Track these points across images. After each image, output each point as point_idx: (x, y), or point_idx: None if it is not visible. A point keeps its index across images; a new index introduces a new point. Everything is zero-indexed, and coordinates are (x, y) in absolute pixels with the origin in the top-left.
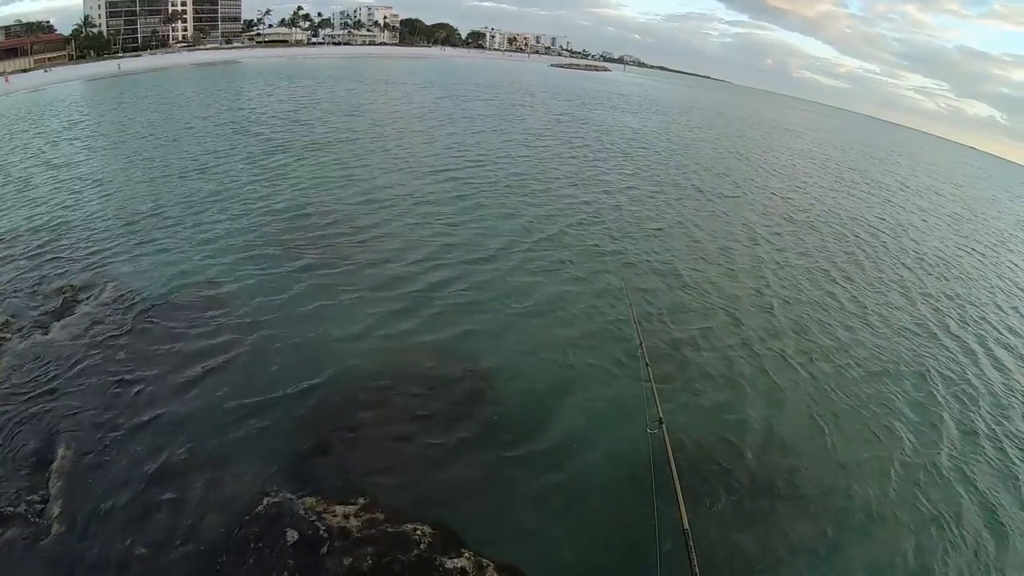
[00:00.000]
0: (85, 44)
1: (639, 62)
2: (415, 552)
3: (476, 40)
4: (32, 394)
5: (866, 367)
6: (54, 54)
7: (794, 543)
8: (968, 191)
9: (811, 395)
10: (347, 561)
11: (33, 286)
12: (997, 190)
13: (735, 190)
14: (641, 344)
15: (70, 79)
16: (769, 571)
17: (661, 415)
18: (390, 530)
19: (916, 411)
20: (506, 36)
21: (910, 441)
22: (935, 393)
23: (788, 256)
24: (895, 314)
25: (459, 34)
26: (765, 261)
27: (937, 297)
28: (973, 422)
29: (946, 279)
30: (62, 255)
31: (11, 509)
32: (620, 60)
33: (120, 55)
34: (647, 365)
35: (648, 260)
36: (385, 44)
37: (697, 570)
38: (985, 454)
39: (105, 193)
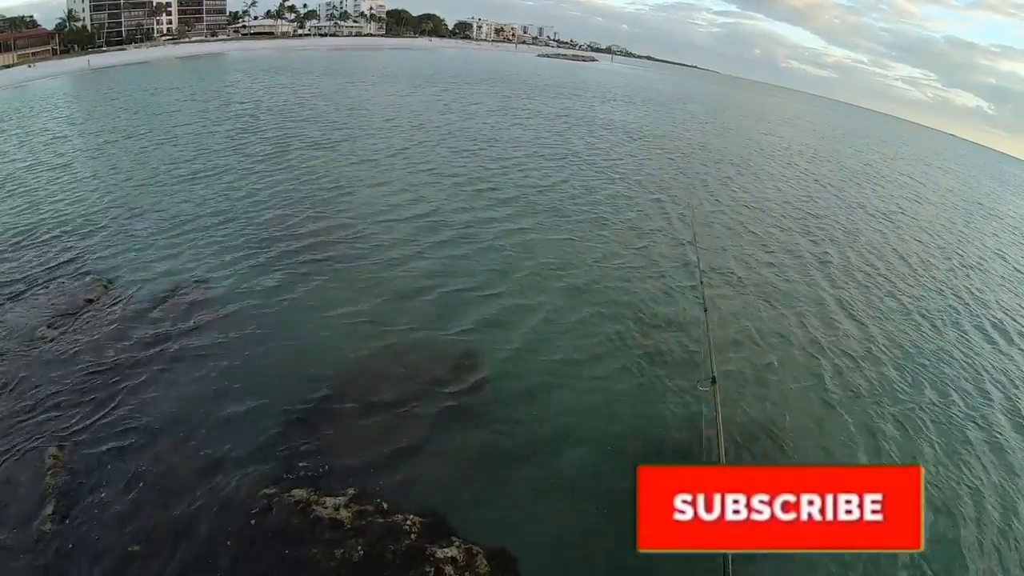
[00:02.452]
0: (69, 38)
1: (627, 52)
2: (406, 542)
3: (463, 31)
4: (23, 392)
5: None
6: (38, 49)
7: None
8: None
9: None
10: (338, 552)
11: (24, 285)
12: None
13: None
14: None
15: (32, 78)
16: None
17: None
18: (381, 520)
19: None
20: (493, 27)
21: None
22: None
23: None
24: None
25: (446, 25)
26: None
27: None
28: None
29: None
30: (53, 254)
31: (4, 509)
32: (608, 50)
33: (104, 49)
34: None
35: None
36: (372, 35)
37: None
38: None
39: (97, 192)
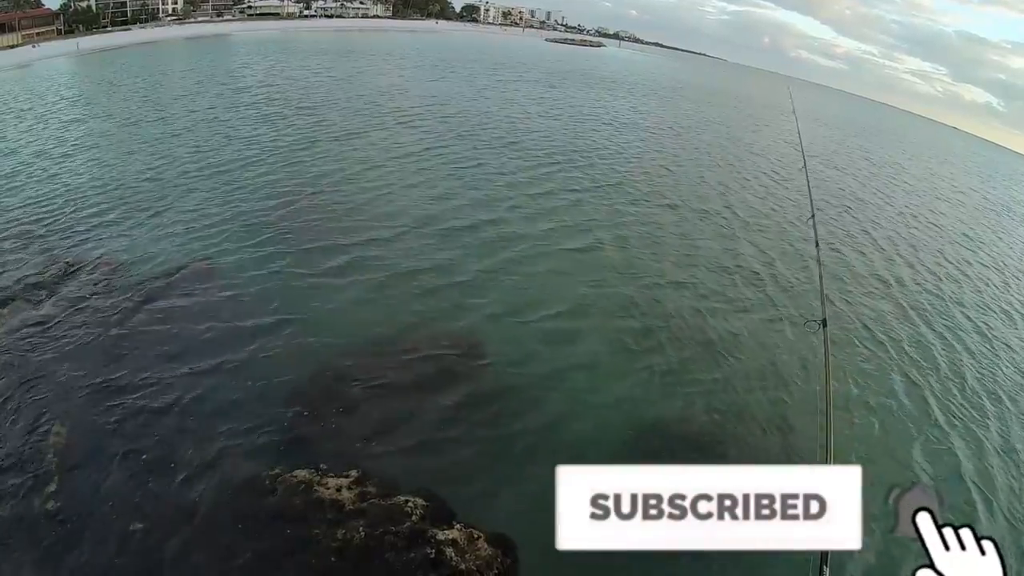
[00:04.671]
0: (74, 19)
1: (635, 38)
2: (407, 524)
3: (470, 13)
4: (26, 370)
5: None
6: (42, 29)
7: None
8: None
9: None
10: (340, 533)
11: (27, 261)
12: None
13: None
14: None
15: (35, 59)
16: None
17: None
18: (382, 502)
19: None
20: (500, 10)
21: None
22: None
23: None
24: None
25: (453, 7)
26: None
27: None
28: None
29: None
30: (58, 232)
31: (6, 487)
32: (616, 36)
33: (108, 29)
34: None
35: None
36: (378, 17)
37: None
38: None
39: (103, 172)
